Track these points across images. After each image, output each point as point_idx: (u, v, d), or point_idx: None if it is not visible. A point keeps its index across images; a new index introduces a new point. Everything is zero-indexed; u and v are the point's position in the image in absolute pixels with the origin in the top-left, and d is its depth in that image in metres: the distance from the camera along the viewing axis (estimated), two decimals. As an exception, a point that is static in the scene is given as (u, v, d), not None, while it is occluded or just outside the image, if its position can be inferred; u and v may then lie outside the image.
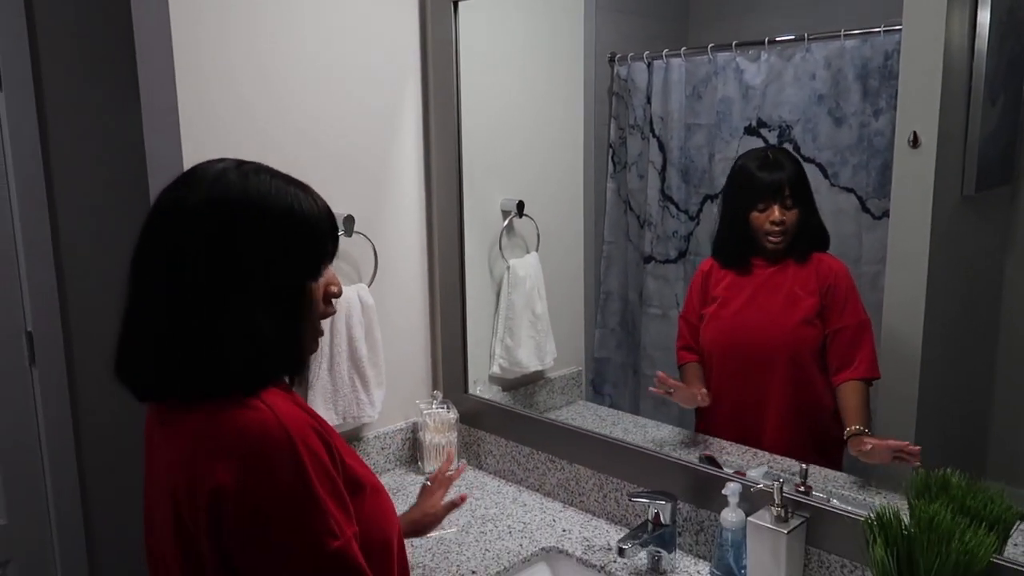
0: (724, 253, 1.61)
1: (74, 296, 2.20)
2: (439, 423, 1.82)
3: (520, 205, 1.92)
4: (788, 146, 1.59)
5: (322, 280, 0.97)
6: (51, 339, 2.17)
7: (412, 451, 1.89)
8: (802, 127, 1.57)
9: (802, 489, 1.35)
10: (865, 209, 1.50)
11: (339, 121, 1.68)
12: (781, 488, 1.28)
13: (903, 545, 1.08)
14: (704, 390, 1.59)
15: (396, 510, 1.08)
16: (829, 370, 1.48)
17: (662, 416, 1.74)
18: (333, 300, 0.99)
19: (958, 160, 1.31)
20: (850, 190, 1.52)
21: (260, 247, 0.89)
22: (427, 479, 1.42)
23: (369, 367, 1.70)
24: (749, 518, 1.30)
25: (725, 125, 1.71)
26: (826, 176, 1.54)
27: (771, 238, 1.49)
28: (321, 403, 1.65)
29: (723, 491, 1.35)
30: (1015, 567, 1.10)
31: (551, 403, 2.01)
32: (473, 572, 1.41)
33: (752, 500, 1.32)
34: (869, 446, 1.37)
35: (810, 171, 1.53)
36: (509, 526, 1.58)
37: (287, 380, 0.99)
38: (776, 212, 1.47)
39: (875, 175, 1.47)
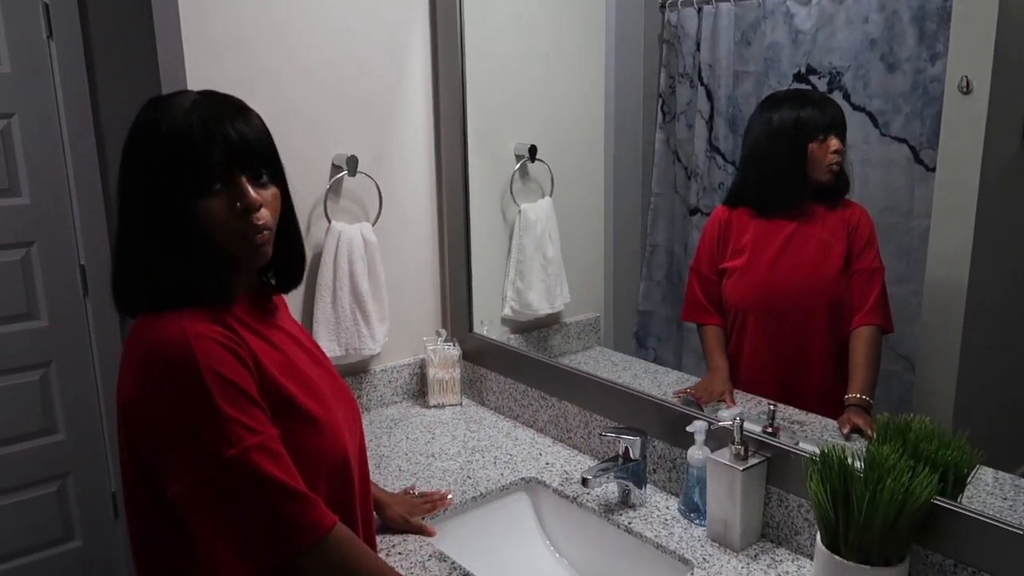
0: (768, 197, 1.53)
1: (123, 233, 2.36)
2: (443, 359, 1.89)
3: (532, 149, 1.94)
4: (837, 94, 1.54)
5: (224, 196, 0.94)
6: (102, 271, 2.35)
7: (419, 385, 1.97)
8: (853, 74, 1.51)
9: (769, 430, 1.35)
10: (918, 160, 1.44)
11: (345, 62, 1.73)
12: (741, 426, 1.28)
13: (839, 482, 1.08)
14: (730, 391, 1.57)
15: (344, 437, 1.06)
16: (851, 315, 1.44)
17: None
18: (249, 215, 0.95)
19: (1015, 108, 1.25)
20: (902, 140, 1.46)
21: (136, 168, 0.95)
22: (416, 492, 1.48)
23: (371, 302, 1.78)
24: (710, 455, 1.31)
25: (773, 72, 1.66)
26: (876, 125, 1.48)
27: (833, 167, 1.44)
28: (324, 334, 1.74)
29: (688, 428, 1.37)
30: (964, 512, 1.07)
31: (566, 348, 2.04)
32: (450, 496, 1.48)
33: (720, 439, 1.33)
34: (846, 429, 1.35)
35: (860, 120, 1.47)
36: (496, 457, 1.64)
37: (273, 286, 1.06)
38: (836, 142, 1.43)
39: (929, 124, 1.40)
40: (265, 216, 0.97)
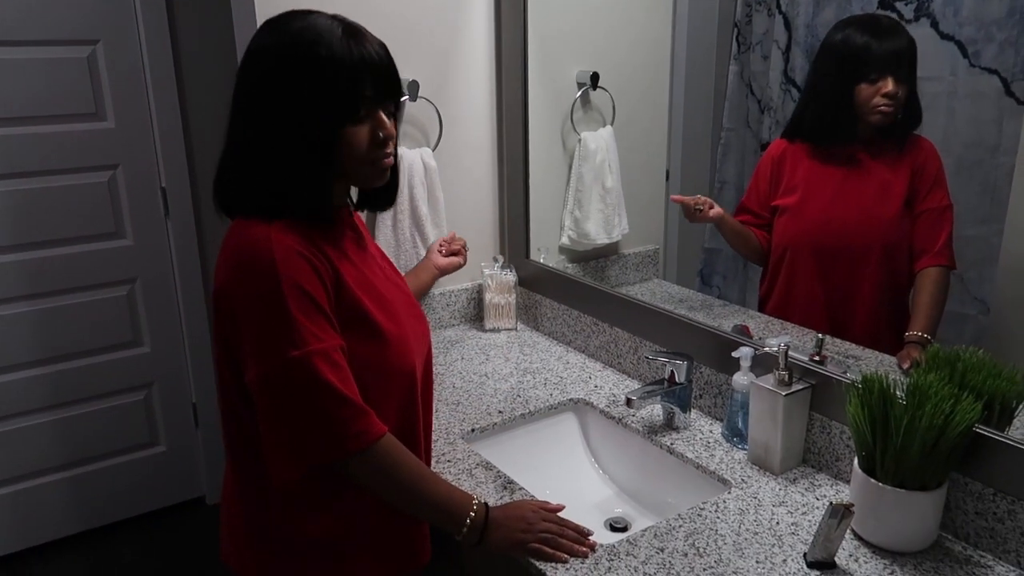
0: (818, 131, 1.49)
1: (199, 156, 2.48)
2: (499, 285, 1.94)
3: (595, 77, 1.92)
4: (924, 21, 1.47)
5: (368, 124, 1.02)
6: (181, 194, 2.47)
7: (476, 310, 2.03)
8: None
9: (816, 359, 1.35)
10: (1009, 93, 1.35)
11: (407, -12, 1.74)
12: (786, 353, 1.29)
13: (879, 406, 1.08)
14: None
15: (412, 351, 1.13)
16: (912, 256, 1.40)
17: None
18: (386, 145, 1.03)
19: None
20: (993, 71, 1.37)
21: (288, 88, 0.97)
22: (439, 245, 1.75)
23: (430, 226, 1.83)
24: (754, 380, 1.33)
25: None
26: (965, 55, 1.40)
27: (882, 109, 1.38)
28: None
29: (733, 354, 1.38)
30: (1008, 442, 1.06)
31: (623, 279, 2.05)
32: (500, 412, 1.54)
33: (766, 366, 1.34)
34: (906, 364, 1.31)
35: (947, 50, 1.38)
36: (546, 378, 1.69)
37: (358, 210, 1.15)
38: (890, 84, 1.36)
39: None
40: (393, 145, 1.06)
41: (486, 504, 1.09)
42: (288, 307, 0.95)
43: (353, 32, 1.00)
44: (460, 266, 1.76)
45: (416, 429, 1.16)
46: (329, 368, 0.97)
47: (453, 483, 1.22)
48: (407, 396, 1.13)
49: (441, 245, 1.74)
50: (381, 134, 1.03)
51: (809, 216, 1.53)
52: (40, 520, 2.52)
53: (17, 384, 2.38)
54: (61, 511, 2.54)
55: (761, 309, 1.64)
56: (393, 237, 1.80)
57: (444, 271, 1.73)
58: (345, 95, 0.99)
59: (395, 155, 1.09)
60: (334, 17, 1.02)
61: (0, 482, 2.43)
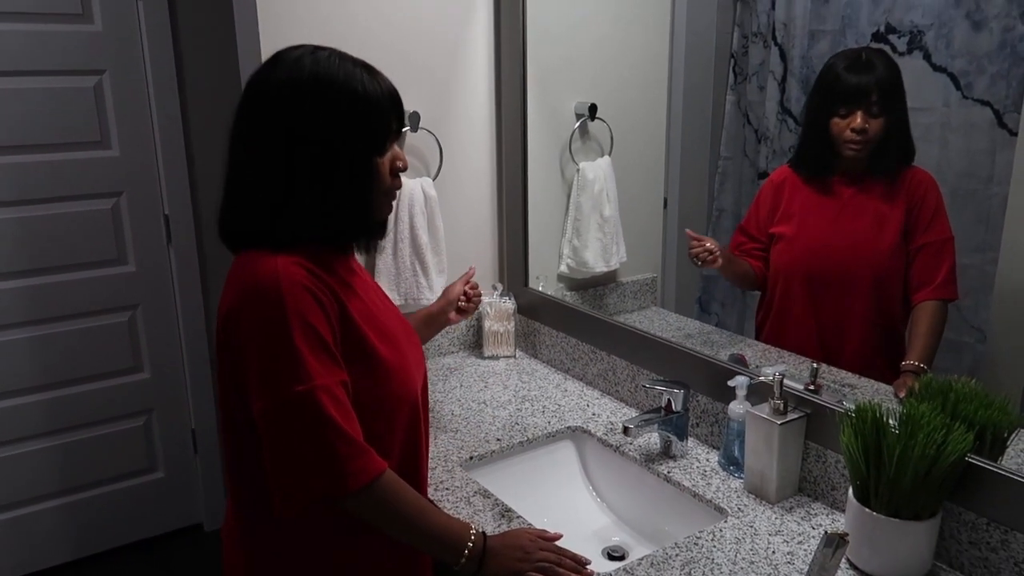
0: (804, 164, 1.53)
1: (202, 184, 2.51)
2: (499, 312, 1.95)
3: (592, 108, 1.96)
4: (917, 54, 1.50)
5: (388, 155, 1.07)
6: (184, 221, 2.50)
7: (475, 337, 2.04)
8: (935, 32, 1.45)
9: (811, 388, 1.37)
10: (1002, 124, 1.37)
11: (407, 21, 1.78)
12: (781, 382, 1.30)
13: (872, 435, 1.10)
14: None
15: (415, 379, 1.15)
16: (909, 288, 1.42)
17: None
18: (400, 175, 1.10)
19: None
20: (986, 103, 1.39)
21: (325, 124, 1.01)
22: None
23: (430, 254, 1.85)
24: (749, 409, 1.34)
25: (851, 31, 1.62)
26: (958, 87, 1.43)
27: (850, 146, 1.40)
28: (384, 284, 1.82)
29: (729, 383, 1.39)
30: (1000, 472, 1.07)
31: (622, 306, 2.07)
32: (498, 439, 1.55)
33: (762, 395, 1.36)
34: (902, 393, 1.32)
35: (941, 81, 1.41)
36: (544, 406, 1.70)
37: (355, 245, 1.13)
38: (858, 119, 1.38)
39: (1016, 86, 1.33)
40: None
41: (484, 533, 1.10)
42: (293, 340, 0.97)
43: (371, 69, 1.06)
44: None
45: (420, 454, 1.18)
46: (332, 404, 0.98)
47: (451, 511, 1.23)
48: (411, 423, 1.14)
49: (467, 291, 1.61)
50: (400, 164, 1.09)
51: (802, 245, 1.54)
52: (38, 546, 2.51)
53: (17, 409, 2.39)
54: (59, 537, 2.54)
55: (758, 336, 1.65)
56: (394, 265, 1.83)
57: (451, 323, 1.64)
58: (378, 128, 1.04)
59: None
60: (338, 52, 1.05)
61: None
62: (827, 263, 1.51)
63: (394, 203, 1.14)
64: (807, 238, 1.53)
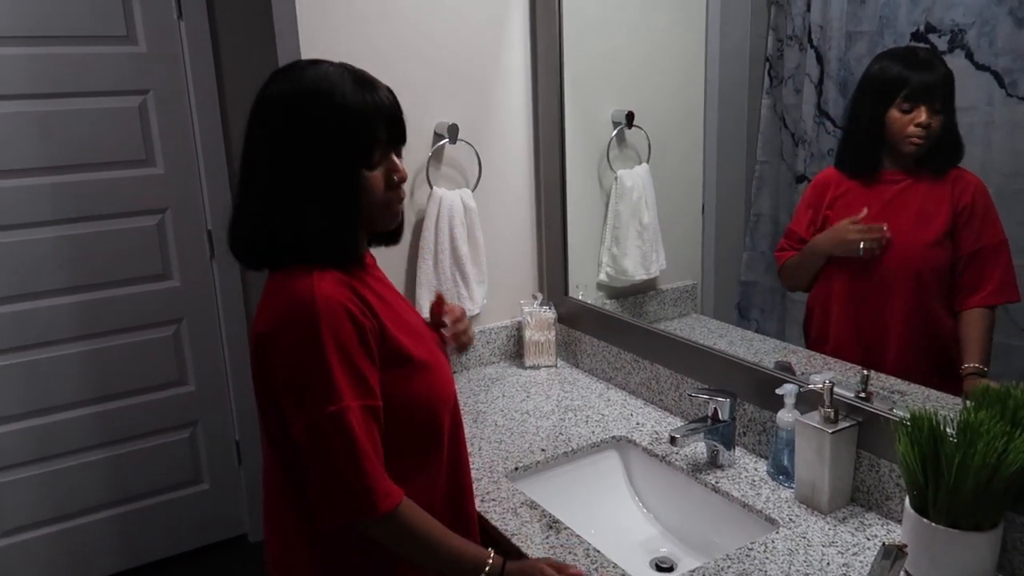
0: (852, 159, 1.52)
1: (245, 201, 2.54)
2: (539, 322, 1.95)
3: (630, 116, 1.95)
4: (959, 53, 1.48)
5: (381, 169, 1.05)
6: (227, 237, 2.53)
7: (516, 347, 2.04)
8: (977, 30, 1.44)
9: (862, 395, 1.34)
10: None
11: (445, 34, 1.79)
12: (831, 390, 1.28)
13: (928, 444, 1.07)
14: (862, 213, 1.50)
15: (454, 391, 1.17)
16: (958, 293, 1.40)
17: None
18: (400, 187, 1.08)
19: None
20: None
21: (307, 136, 1.00)
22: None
23: (470, 265, 1.86)
24: (799, 418, 1.32)
25: (889, 32, 1.61)
26: (1002, 85, 1.41)
27: (914, 140, 1.40)
28: (426, 295, 1.83)
29: (777, 391, 1.37)
30: (1064, 481, 1.05)
31: (662, 314, 2.06)
32: (543, 450, 1.55)
33: (811, 403, 1.34)
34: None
35: (984, 80, 1.39)
36: (588, 416, 1.69)
37: (374, 246, 1.14)
38: (924, 114, 1.38)
39: None
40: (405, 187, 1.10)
41: (503, 559, 1.09)
42: (327, 359, 0.97)
43: (363, 80, 1.04)
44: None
45: (464, 459, 1.19)
46: (363, 426, 0.99)
47: (499, 522, 1.23)
48: (453, 424, 1.16)
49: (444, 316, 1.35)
50: (396, 177, 1.07)
51: None
52: (88, 557, 2.56)
53: (68, 423, 2.44)
54: (107, 548, 2.58)
55: (806, 339, 1.64)
56: (434, 277, 1.83)
57: None
58: (362, 140, 1.02)
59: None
60: (342, 66, 1.05)
61: (50, 520, 2.48)
62: (869, 260, 1.49)
63: (402, 213, 1.13)
64: None
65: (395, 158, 1.08)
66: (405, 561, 1.10)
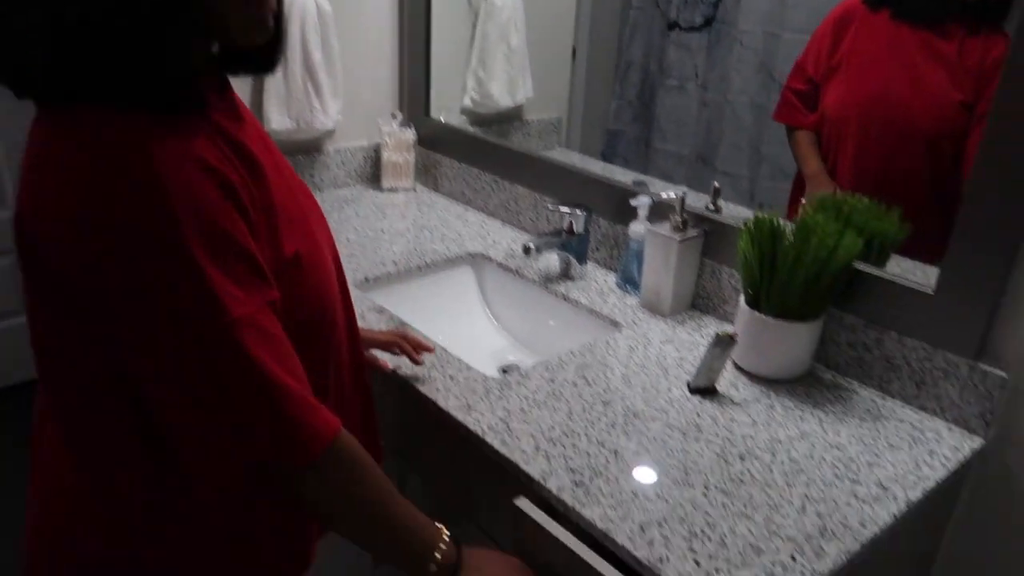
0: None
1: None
2: (398, 142, 1.87)
3: (502, -71, 1.82)
4: None
5: None
6: None
7: (374, 169, 1.95)
8: None
9: (712, 208, 1.37)
10: None
11: None
12: (683, 200, 1.29)
13: (768, 243, 1.11)
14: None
15: (331, 268, 0.88)
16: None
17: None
18: None
19: None
20: None
21: None
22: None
23: (324, 74, 1.72)
24: (649, 227, 1.33)
25: None
26: None
27: None
28: (275, 106, 1.69)
29: (631, 202, 1.38)
30: (884, 276, 1.11)
31: (525, 146, 2.01)
32: (395, 263, 1.50)
33: (663, 215, 1.35)
34: None
35: None
36: (444, 234, 1.66)
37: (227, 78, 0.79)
38: None
39: None
40: None
41: (457, 541, 0.83)
42: (193, 256, 0.64)
43: None
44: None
45: (365, 372, 0.98)
46: (262, 342, 0.69)
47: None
48: (348, 320, 0.92)
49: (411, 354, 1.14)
50: None
51: (858, 85, 1.33)
52: None
53: None
54: None
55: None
56: (284, 86, 1.69)
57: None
58: None
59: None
60: None
61: None
62: (884, 108, 1.31)
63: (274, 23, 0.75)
64: (865, 77, 1.33)
65: None
66: (274, 534, 0.84)
